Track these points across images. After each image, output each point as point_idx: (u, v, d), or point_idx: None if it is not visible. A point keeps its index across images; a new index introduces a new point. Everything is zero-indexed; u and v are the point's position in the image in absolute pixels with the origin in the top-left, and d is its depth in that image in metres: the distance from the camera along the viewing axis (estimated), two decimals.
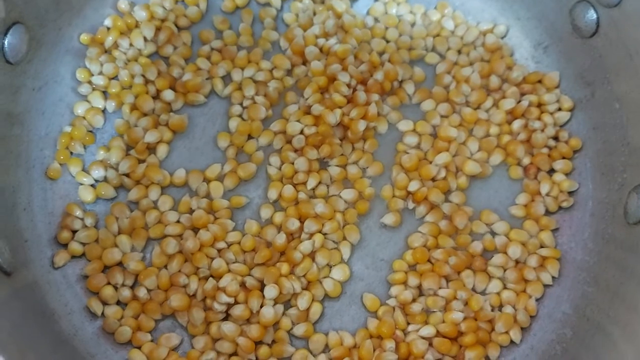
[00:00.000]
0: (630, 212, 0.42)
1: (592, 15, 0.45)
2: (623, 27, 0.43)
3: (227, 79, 0.50)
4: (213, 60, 0.50)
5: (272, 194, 0.46)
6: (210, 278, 0.43)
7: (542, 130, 0.48)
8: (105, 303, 0.43)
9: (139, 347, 0.42)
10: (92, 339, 0.42)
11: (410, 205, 0.47)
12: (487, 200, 0.47)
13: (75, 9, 0.48)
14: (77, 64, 0.48)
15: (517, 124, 0.48)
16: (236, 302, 0.43)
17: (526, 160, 0.48)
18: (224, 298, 0.42)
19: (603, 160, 0.46)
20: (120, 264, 0.44)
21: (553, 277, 0.45)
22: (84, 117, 0.47)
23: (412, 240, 0.46)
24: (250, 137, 0.48)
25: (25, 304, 0.40)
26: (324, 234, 0.45)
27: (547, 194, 0.47)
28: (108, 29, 0.49)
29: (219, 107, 0.49)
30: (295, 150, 0.47)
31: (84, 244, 0.44)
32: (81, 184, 0.46)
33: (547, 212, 0.47)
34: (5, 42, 0.42)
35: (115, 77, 0.49)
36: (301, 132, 0.47)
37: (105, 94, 0.48)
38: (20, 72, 0.44)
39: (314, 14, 0.52)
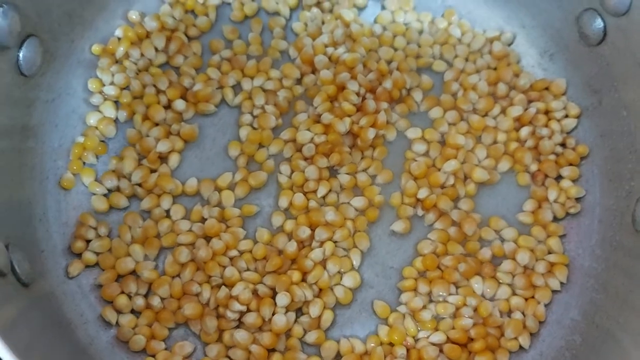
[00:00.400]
0: (638, 219, 0.42)
1: (599, 23, 0.46)
2: (631, 36, 0.44)
3: (237, 88, 0.50)
4: (223, 69, 0.50)
5: (283, 202, 0.47)
6: (223, 286, 0.44)
7: (550, 137, 0.49)
8: (119, 312, 0.44)
9: (153, 356, 0.43)
10: (107, 348, 0.43)
11: (420, 212, 0.47)
12: (495, 207, 0.48)
13: (87, 20, 0.48)
14: (89, 75, 0.49)
15: (524, 131, 0.49)
16: (248, 310, 0.43)
17: (534, 167, 0.48)
18: (237, 306, 0.43)
19: (610, 167, 0.46)
20: (133, 272, 0.45)
21: (561, 283, 0.45)
22: (96, 127, 0.48)
23: (421, 247, 0.46)
24: (260, 145, 0.49)
25: (43, 315, 0.40)
26: (335, 242, 0.46)
27: (555, 201, 0.47)
28: (119, 39, 0.50)
29: (230, 117, 0.50)
30: (306, 159, 0.48)
31: (97, 254, 0.45)
32: (94, 194, 0.47)
33: (555, 219, 0.47)
34: (20, 55, 0.42)
35: (126, 87, 0.49)
36: (311, 141, 0.48)
37: (117, 104, 0.49)
38: (34, 85, 0.45)
39: (323, 23, 0.52)
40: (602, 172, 0.47)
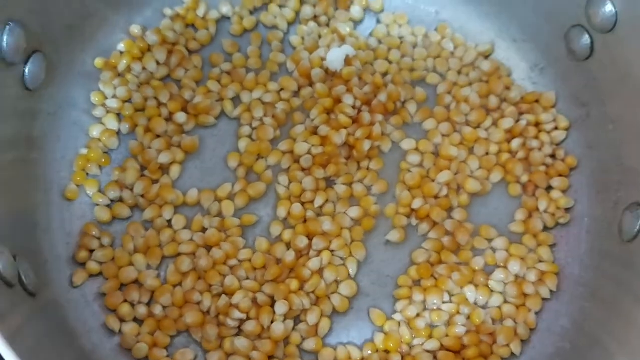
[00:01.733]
0: (624, 230, 0.43)
1: (586, 39, 0.47)
2: (616, 52, 0.45)
3: (236, 100, 0.51)
4: (223, 82, 0.52)
5: (281, 212, 0.48)
6: (223, 295, 0.45)
7: (540, 149, 0.50)
8: (122, 320, 0.45)
9: None
10: (110, 356, 0.44)
11: (414, 222, 0.49)
12: (487, 216, 0.49)
13: (89, 35, 0.50)
14: (92, 88, 0.50)
15: (515, 143, 0.50)
16: (248, 318, 0.44)
17: (525, 178, 0.50)
18: (237, 314, 0.44)
19: (598, 178, 0.48)
20: (136, 281, 0.46)
21: (551, 292, 0.46)
22: (99, 139, 0.49)
23: (416, 256, 0.48)
24: (259, 157, 0.50)
25: (48, 323, 0.41)
26: (332, 251, 0.47)
27: (545, 211, 0.48)
28: (121, 53, 0.51)
29: (229, 128, 0.51)
30: (303, 170, 0.49)
31: (101, 263, 0.46)
32: (97, 205, 0.48)
33: (545, 228, 0.48)
34: (26, 71, 0.44)
35: (128, 100, 0.50)
36: (308, 152, 0.49)
37: (119, 116, 0.50)
38: (38, 98, 0.46)
39: (320, 37, 0.53)
40: (590, 183, 0.48)
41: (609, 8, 0.44)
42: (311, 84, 0.52)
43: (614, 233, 0.45)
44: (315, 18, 0.54)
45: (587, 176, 0.49)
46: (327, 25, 0.54)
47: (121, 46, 0.51)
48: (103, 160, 0.49)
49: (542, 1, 0.50)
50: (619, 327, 0.40)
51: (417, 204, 0.48)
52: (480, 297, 0.46)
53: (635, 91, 0.44)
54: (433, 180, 0.49)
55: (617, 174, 0.46)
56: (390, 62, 0.53)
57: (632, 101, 0.44)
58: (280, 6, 0.54)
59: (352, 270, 0.47)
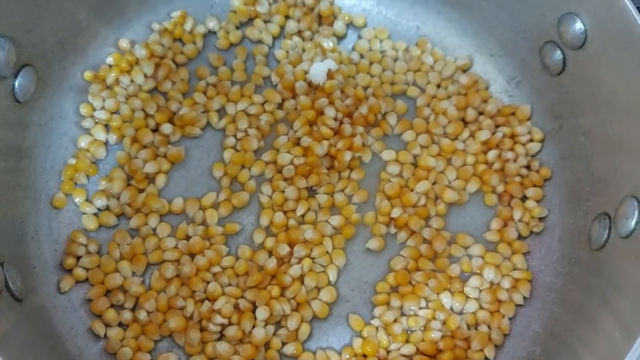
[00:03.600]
0: (593, 238, 0.45)
1: (558, 55, 0.49)
2: (587, 67, 0.47)
3: (221, 112, 0.53)
4: (209, 94, 0.53)
5: (264, 221, 0.49)
6: (206, 301, 0.46)
7: (515, 160, 0.52)
8: (107, 325, 0.46)
9: None
10: None
11: (393, 230, 0.50)
12: (464, 225, 0.51)
13: (79, 48, 0.51)
14: (81, 99, 0.51)
15: (491, 154, 0.52)
16: (230, 323, 0.46)
17: (500, 188, 0.51)
18: (219, 319, 0.45)
19: (570, 188, 0.50)
20: (121, 287, 0.47)
21: (524, 298, 0.48)
22: (87, 150, 0.51)
23: (394, 264, 0.49)
24: (243, 167, 0.51)
25: (35, 328, 0.42)
26: (312, 258, 0.48)
27: (520, 220, 0.50)
28: (110, 66, 0.53)
29: (214, 139, 0.52)
30: (286, 180, 0.51)
31: (87, 269, 0.47)
32: (84, 213, 0.49)
33: (519, 237, 0.50)
34: (16, 84, 0.45)
35: (116, 112, 0.52)
36: (291, 163, 0.51)
37: (107, 127, 0.52)
38: (28, 109, 0.47)
39: (303, 51, 0.55)
40: (563, 193, 0.50)
41: (578, 26, 0.46)
42: (294, 97, 0.53)
43: (584, 241, 0.46)
44: (299, 33, 0.56)
45: (559, 186, 0.51)
46: (311, 39, 0.56)
47: (110, 60, 0.53)
48: (91, 170, 0.50)
49: (518, 18, 0.52)
50: (586, 331, 0.41)
51: (396, 212, 0.50)
52: (456, 304, 0.48)
53: (605, 104, 0.46)
54: (412, 190, 0.51)
55: (587, 184, 0.48)
56: (371, 76, 0.55)
57: (601, 114, 0.46)
58: (266, 21, 0.56)
59: (333, 277, 0.48)
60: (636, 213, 0.41)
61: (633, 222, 0.40)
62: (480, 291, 0.48)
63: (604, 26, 0.44)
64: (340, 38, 0.57)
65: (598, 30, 0.45)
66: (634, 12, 0.42)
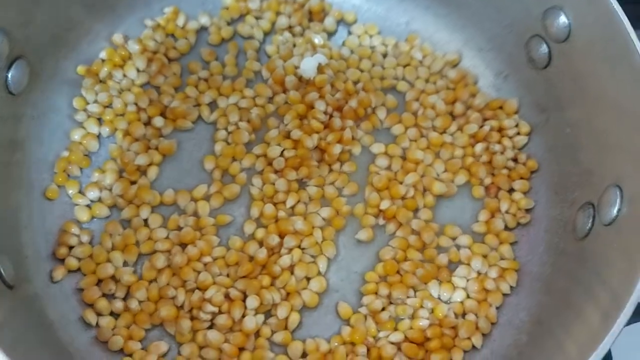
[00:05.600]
0: (577, 228, 0.46)
1: (544, 49, 0.50)
2: (572, 60, 0.48)
3: (213, 106, 0.54)
4: (200, 88, 0.54)
5: (254, 212, 0.50)
6: (197, 290, 0.47)
7: (502, 153, 0.52)
8: (99, 314, 0.46)
9: (130, 355, 0.45)
10: (87, 348, 0.45)
11: (382, 222, 0.51)
12: (452, 217, 0.51)
13: (72, 43, 0.52)
14: (74, 93, 0.52)
15: (479, 147, 0.52)
16: (220, 312, 0.46)
17: (488, 181, 0.52)
18: (210, 308, 0.46)
19: (557, 180, 0.50)
20: (113, 277, 0.48)
21: (511, 287, 0.48)
22: (80, 143, 0.51)
23: (383, 254, 0.49)
24: (234, 159, 0.52)
25: (27, 316, 0.43)
26: (302, 249, 0.49)
27: (507, 211, 0.51)
28: (103, 61, 0.53)
29: (206, 132, 0.53)
30: (276, 172, 0.51)
31: (79, 259, 0.48)
32: (77, 204, 0.50)
33: (507, 228, 0.51)
34: (9, 76, 0.46)
35: (109, 105, 0.52)
36: (281, 155, 0.51)
37: (100, 120, 0.52)
38: (22, 102, 0.48)
39: (294, 46, 0.56)
40: (549, 184, 0.51)
41: (562, 19, 0.47)
42: (285, 91, 0.54)
43: (569, 231, 0.47)
44: (290, 28, 0.57)
45: (546, 178, 0.51)
46: (302, 35, 0.57)
47: (103, 54, 0.53)
48: (84, 163, 0.51)
49: (504, 13, 0.52)
50: (569, 318, 0.42)
51: (385, 204, 0.50)
52: (444, 293, 0.48)
53: (590, 97, 0.46)
54: (400, 183, 0.51)
55: (573, 175, 0.48)
56: (361, 71, 0.56)
57: (587, 106, 0.47)
58: (257, 17, 0.57)
59: (322, 267, 0.49)
60: (618, 201, 0.41)
61: (615, 210, 0.41)
62: (468, 281, 0.49)
63: (587, 19, 0.45)
64: (331, 34, 0.57)
65: (582, 23, 0.46)
66: (615, 5, 0.43)
